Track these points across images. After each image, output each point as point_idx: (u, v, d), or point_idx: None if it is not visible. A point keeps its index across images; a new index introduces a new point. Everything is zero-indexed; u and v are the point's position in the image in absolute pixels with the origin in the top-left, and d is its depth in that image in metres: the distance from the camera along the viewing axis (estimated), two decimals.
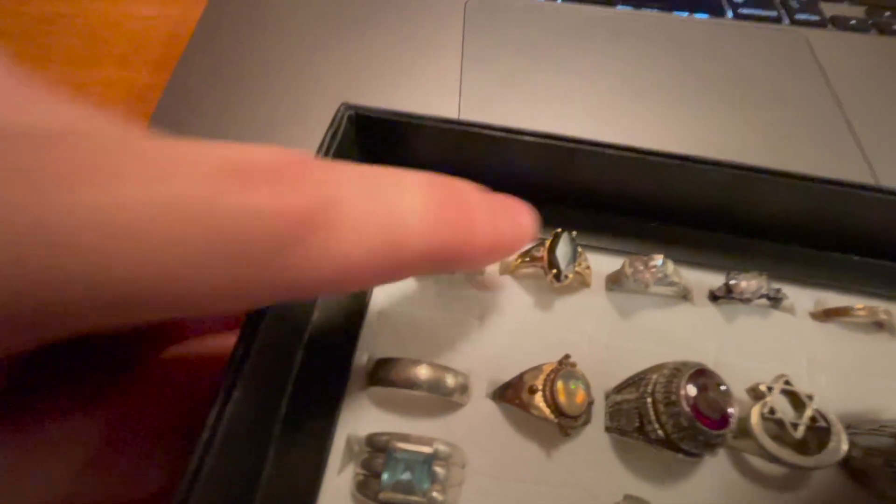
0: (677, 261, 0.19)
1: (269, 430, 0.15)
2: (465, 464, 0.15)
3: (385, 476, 0.13)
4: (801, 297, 0.20)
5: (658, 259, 0.17)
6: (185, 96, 0.23)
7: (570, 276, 0.17)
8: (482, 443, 0.16)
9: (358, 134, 0.18)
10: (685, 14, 0.31)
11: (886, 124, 0.27)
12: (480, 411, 0.16)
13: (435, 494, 0.14)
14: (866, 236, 0.20)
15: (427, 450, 0.13)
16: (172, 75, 0.24)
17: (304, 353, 0.16)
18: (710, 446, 0.14)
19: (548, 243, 0.17)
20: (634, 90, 0.26)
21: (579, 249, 0.18)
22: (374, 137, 0.18)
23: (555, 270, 0.17)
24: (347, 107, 0.17)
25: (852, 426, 0.17)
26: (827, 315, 0.19)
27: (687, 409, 0.14)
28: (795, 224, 0.20)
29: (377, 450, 0.14)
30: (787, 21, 0.31)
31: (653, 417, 0.14)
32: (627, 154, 0.18)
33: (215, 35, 0.25)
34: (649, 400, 0.15)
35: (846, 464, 0.17)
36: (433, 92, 0.24)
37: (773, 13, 0.31)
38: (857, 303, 0.19)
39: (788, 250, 0.20)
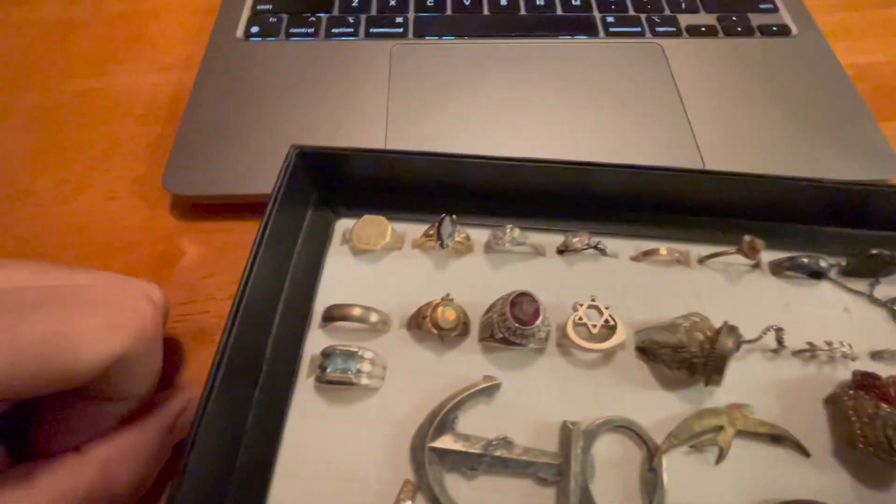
0: (536, 229, 0.28)
1: (261, 357, 0.24)
2: (386, 366, 0.24)
3: (328, 367, 0.22)
4: (627, 247, 0.28)
5: (508, 228, 0.26)
6: (188, 144, 0.32)
7: (450, 245, 0.26)
8: (398, 354, 0.25)
9: (307, 166, 0.27)
10: (568, 37, 0.39)
11: (716, 115, 0.34)
12: (397, 336, 0.25)
13: (363, 379, 0.22)
14: (668, 201, 0.28)
15: (353, 349, 0.22)
16: (178, 129, 0.33)
17: (283, 306, 0.25)
18: (526, 337, 0.23)
19: (437, 225, 0.26)
20: (528, 106, 0.35)
21: (458, 227, 0.26)
22: (320, 168, 0.27)
23: (439, 242, 0.26)
24: (296, 146, 0.26)
25: (652, 328, 0.25)
26: (644, 255, 0.28)
27: (509, 315, 0.22)
28: (622, 197, 0.28)
29: (326, 356, 0.23)
30: (649, 34, 0.39)
31: (496, 326, 0.23)
32: (495, 162, 0.26)
33: (205, 95, 0.34)
34: (494, 315, 0.24)
35: (644, 351, 0.25)
36: (365, 125, 0.33)
37: (638, 28, 0.39)
38: (663, 247, 0.28)
39: (617, 214, 0.29)
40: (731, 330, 0.22)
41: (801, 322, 0.26)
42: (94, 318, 0.17)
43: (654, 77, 0.37)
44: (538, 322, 0.23)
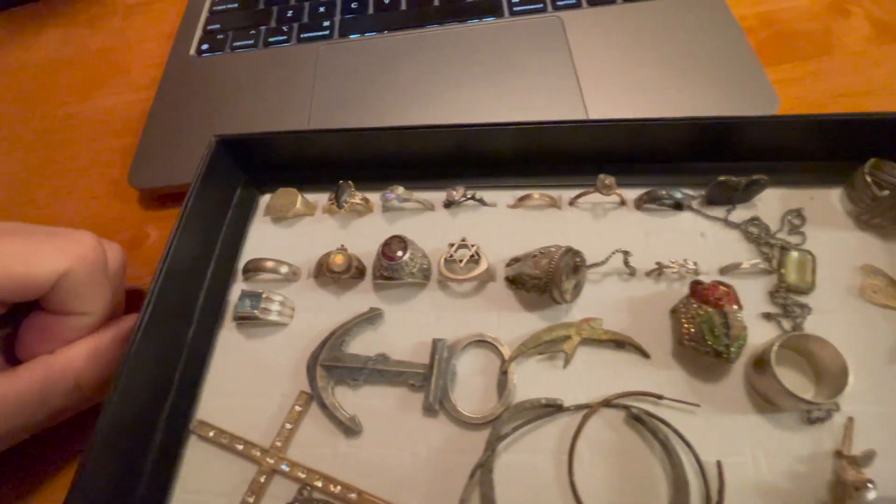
0: (430, 188, 0.32)
1: (194, 304, 0.29)
2: (295, 307, 0.29)
3: (238, 306, 0.27)
4: (506, 197, 0.32)
5: (393, 187, 0.31)
6: (149, 147, 0.39)
7: (348, 206, 0.31)
8: (306, 297, 0.30)
9: (234, 153, 0.32)
10: (476, 21, 0.43)
11: (606, 76, 0.38)
12: (306, 284, 0.30)
13: (272, 316, 0.28)
14: (543, 153, 0.32)
15: (259, 290, 0.27)
16: (141, 135, 0.39)
17: (213, 265, 0.31)
18: (396, 270, 0.27)
19: (335, 191, 0.31)
20: (436, 85, 0.39)
21: (353, 191, 0.31)
22: (245, 154, 0.33)
23: (336, 204, 0.31)
24: (216, 136, 0.31)
25: (519, 261, 0.29)
26: (518, 201, 0.32)
27: (381, 256, 0.27)
28: (504, 153, 0.32)
29: (239, 299, 0.28)
30: (550, 9, 0.42)
31: (376, 266, 0.28)
32: (388, 131, 0.31)
33: (163, 106, 0.41)
34: (375, 258, 0.28)
35: (512, 281, 0.29)
36: (291, 116, 0.38)
37: (540, 5, 0.43)
38: (536, 193, 0.32)
39: (499, 169, 0.33)
40: (569, 251, 0.26)
41: (659, 248, 0.29)
42: (44, 244, 0.24)
43: (550, 48, 0.40)
44: (405, 258, 0.27)
